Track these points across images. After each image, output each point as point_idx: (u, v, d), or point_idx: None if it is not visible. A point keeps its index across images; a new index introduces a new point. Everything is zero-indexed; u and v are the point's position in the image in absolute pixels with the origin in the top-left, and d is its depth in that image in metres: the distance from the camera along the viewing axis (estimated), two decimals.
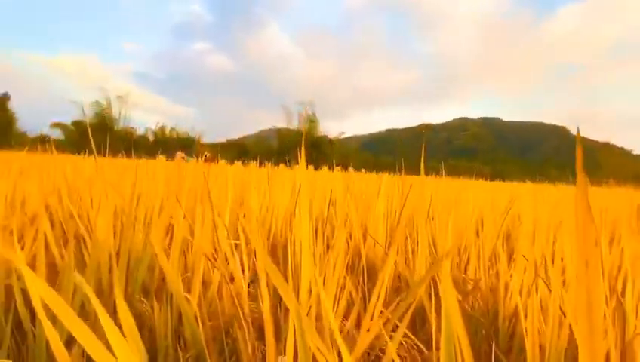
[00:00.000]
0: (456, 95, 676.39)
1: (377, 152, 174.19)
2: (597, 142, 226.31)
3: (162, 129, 38.37)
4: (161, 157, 3.45)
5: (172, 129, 39.37)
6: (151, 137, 37.50)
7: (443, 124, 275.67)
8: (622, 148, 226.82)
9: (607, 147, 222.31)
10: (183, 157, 3.19)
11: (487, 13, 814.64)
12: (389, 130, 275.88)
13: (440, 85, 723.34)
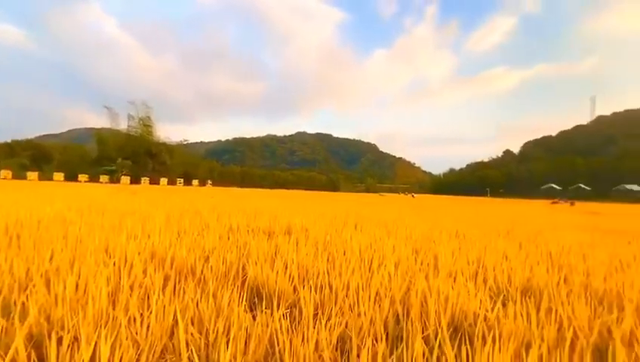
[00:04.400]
0: (299, 110, 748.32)
1: (226, 160, 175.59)
2: (394, 156, 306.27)
3: None
4: None
5: None
6: None
7: (287, 136, 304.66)
8: (409, 162, 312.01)
9: (401, 161, 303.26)
10: None
11: (328, 40, 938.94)
12: (237, 139, 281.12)
13: (286, 99, 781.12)
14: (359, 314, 1.33)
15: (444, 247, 2.93)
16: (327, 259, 2.20)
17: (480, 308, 1.47)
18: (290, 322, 1.31)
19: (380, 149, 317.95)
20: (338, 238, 3.16)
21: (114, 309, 1.35)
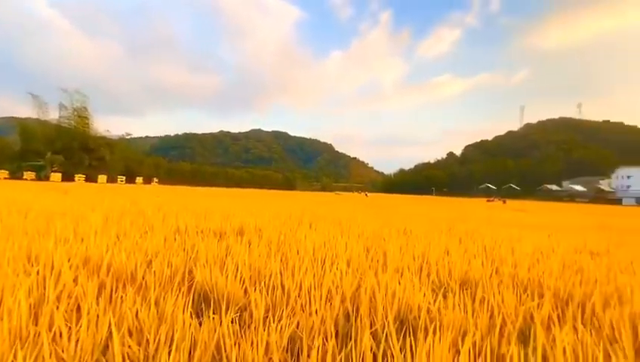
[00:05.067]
0: (255, 107, 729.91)
1: (174, 157, 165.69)
2: (349, 156, 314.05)
3: None
4: None
5: None
6: None
7: (242, 133, 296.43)
8: (363, 162, 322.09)
9: (355, 161, 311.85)
10: None
11: (285, 37, 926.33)
12: (187, 134, 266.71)
13: (241, 95, 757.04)
14: (311, 314, 1.34)
15: (392, 244, 3.07)
16: (281, 260, 2.18)
17: (424, 301, 1.57)
18: (240, 326, 1.28)
19: (336, 149, 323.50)
20: (292, 238, 3.15)
21: (36, 324, 1.19)
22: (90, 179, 39.20)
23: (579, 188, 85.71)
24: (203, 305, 1.49)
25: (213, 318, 1.25)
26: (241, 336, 1.14)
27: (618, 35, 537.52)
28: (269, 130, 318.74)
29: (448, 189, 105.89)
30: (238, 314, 1.37)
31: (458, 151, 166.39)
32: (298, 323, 1.29)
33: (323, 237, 3.18)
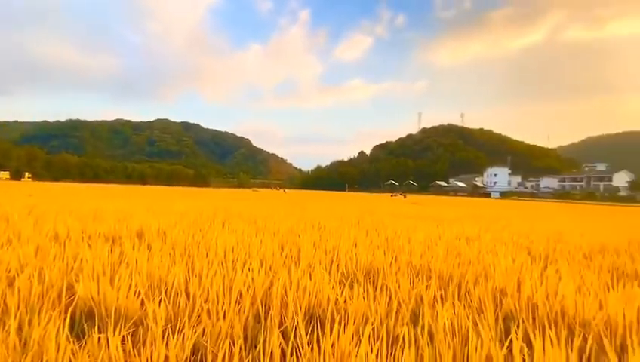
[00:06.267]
0: (161, 95, 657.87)
1: (55, 148, 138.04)
2: (268, 152, 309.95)
3: None
4: None
5: None
6: None
7: (145, 123, 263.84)
8: (282, 158, 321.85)
9: (274, 157, 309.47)
10: None
11: (199, 22, 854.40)
12: (73, 121, 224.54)
13: (146, 80, 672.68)
14: (218, 319, 1.27)
15: (307, 240, 3.15)
16: (187, 264, 2.02)
17: (332, 294, 1.65)
18: (134, 343, 1.14)
19: (254, 144, 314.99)
20: (202, 239, 2.95)
21: None
22: None
23: (461, 184, 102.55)
24: (86, 324, 1.27)
25: (99, 338, 1.08)
26: (135, 355, 1.02)
27: (487, 60, 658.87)
28: (178, 120, 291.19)
29: (359, 185, 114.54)
30: (132, 330, 1.22)
31: (368, 151, 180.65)
32: (204, 331, 1.21)
33: (236, 237, 3.07)
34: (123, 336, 1.07)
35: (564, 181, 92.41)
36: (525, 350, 1.20)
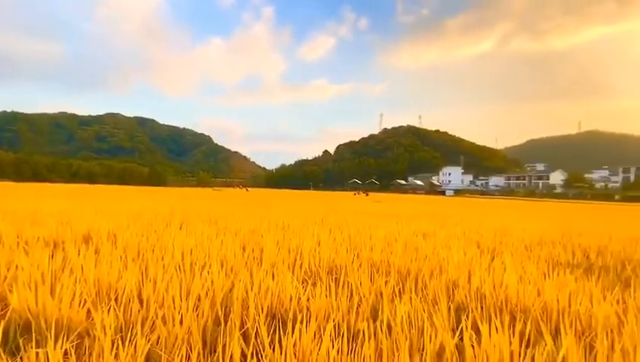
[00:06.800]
0: (111, 86, 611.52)
1: None
2: (230, 150, 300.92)
3: None
4: None
5: None
6: None
7: (94, 117, 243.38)
8: (245, 156, 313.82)
9: (236, 155, 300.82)
10: None
11: (154, 11, 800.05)
12: (7, 113, 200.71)
13: (94, 71, 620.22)
14: (174, 325, 1.22)
15: (270, 239, 3.11)
16: (141, 269, 1.90)
17: (295, 293, 1.65)
18: (79, 357, 1.05)
19: (215, 142, 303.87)
20: (157, 242, 2.80)
21: None
22: None
23: (419, 182, 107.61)
24: (22, 339, 1.15)
25: (37, 353, 0.98)
26: None
27: (443, 65, 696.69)
28: (131, 115, 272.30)
29: (324, 184, 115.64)
30: (76, 343, 1.12)
31: (332, 150, 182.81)
32: (158, 339, 1.15)
33: (195, 239, 2.95)
34: (65, 350, 0.98)
35: (510, 179, 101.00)
36: (474, 337, 1.29)
